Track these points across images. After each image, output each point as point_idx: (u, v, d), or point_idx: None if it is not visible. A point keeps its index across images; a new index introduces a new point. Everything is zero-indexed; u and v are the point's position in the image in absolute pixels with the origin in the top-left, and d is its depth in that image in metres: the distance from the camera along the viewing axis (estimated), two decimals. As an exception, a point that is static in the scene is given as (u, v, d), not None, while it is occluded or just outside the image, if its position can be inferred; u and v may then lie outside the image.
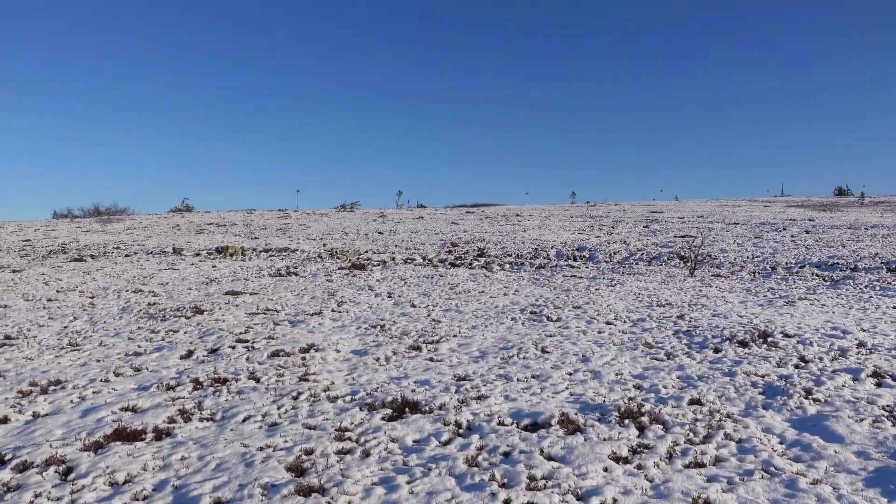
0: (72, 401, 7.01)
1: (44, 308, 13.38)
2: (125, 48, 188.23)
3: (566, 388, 7.32)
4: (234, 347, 9.40)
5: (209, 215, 50.23)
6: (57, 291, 15.93)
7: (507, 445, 5.59)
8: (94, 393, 7.28)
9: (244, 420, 6.35)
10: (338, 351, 9.23)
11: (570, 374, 7.94)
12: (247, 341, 9.82)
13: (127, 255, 25.40)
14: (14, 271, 20.59)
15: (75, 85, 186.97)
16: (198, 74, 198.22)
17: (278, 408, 6.66)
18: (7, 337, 10.32)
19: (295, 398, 6.96)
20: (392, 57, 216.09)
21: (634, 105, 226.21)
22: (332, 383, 7.54)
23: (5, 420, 6.42)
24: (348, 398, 6.93)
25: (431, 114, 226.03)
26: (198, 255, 24.74)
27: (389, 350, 9.26)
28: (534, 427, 6.07)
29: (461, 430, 6.02)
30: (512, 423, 6.15)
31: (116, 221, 44.94)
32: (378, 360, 8.78)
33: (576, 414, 6.34)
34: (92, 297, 14.85)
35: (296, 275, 19.37)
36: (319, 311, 12.48)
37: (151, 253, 26.32)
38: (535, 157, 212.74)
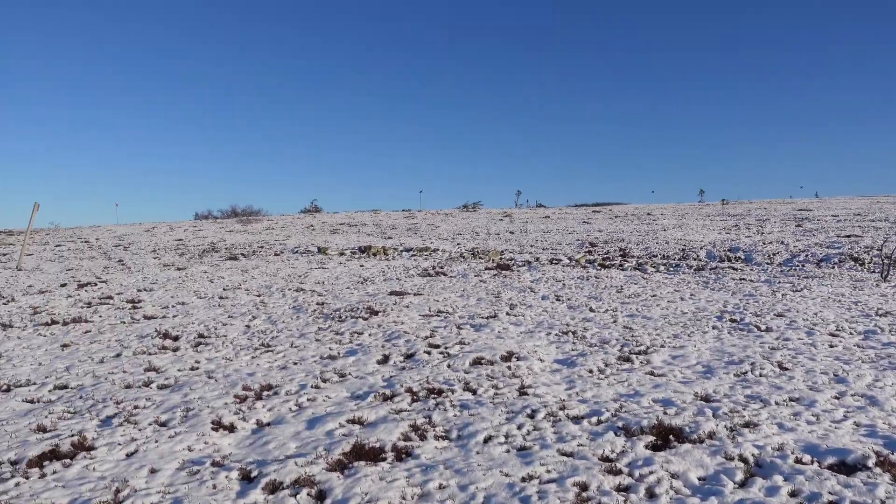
0: (290, 409, 6.55)
1: (219, 306, 13.45)
2: (254, 55, 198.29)
3: (845, 417, 6.08)
4: (429, 353, 8.77)
5: (338, 216, 51.31)
6: (223, 289, 16.16)
7: (830, 493, 4.49)
8: (308, 400, 6.80)
9: (485, 441, 5.60)
10: (541, 360, 8.39)
11: (837, 397, 6.67)
12: (438, 346, 9.18)
13: (276, 255, 25.93)
14: (179, 269, 21.35)
15: (212, 93, 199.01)
16: (317, 79, 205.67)
17: (518, 427, 5.87)
18: (200, 335, 10.23)
19: (530, 416, 6.15)
20: (506, 57, 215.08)
21: (758, 98, 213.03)
22: (562, 399, 6.68)
23: (232, 428, 6.01)
24: (593, 419, 6.03)
25: (545, 113, 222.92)
26: (342, 254, 24.84)
27: (598, 361, 8.31)
28: (845, 468, 4.92)
29: (752, 468, 4.97)
30: (812, 462, 5.03)
31: (255, 222, 46.71)
32: (591, 372, 7.85)
33: (893, 454, 5.12)
34: (259, 296, 14.88)
35: (444, 275, 18.84)
36: (494, 315, 11.73)
37: (297, 252, 26.76)
38: (650, 155, 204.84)
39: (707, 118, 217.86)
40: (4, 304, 14.72)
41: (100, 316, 12.51)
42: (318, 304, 13.33)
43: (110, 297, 15.08)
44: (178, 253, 28.56)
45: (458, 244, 29.19)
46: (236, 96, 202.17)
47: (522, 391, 7.01)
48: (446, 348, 9.03)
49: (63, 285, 17.74)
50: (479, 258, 23.22)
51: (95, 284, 17.70)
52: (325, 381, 7.55)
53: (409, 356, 8.69)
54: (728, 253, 24.26)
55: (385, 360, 8.55)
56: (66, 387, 7.54)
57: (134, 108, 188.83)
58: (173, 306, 13.63)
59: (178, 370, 8.21)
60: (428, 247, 26.20)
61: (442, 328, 10.48)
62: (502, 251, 25.59)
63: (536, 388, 7.09)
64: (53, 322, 11.74)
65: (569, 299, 13.60)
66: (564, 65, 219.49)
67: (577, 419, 6.07)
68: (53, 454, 5.35)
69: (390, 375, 7.73)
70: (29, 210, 23.58)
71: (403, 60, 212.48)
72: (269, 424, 6.15)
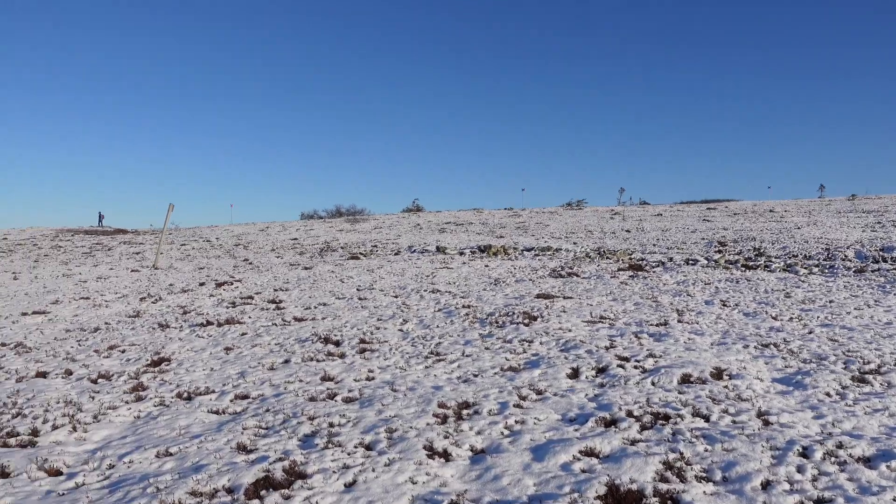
0: (501, 432, 5.72)
1: (362, 307, 12.95)
2: (356, 57, 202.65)
3: None
4: (622, 367, 7.77)
5: (442, 214, 50.92)
6: (357, 289, 15.74)
7: None
8: (517, 422, 5.95)
9: (764, 486, 4.55)
10: (759, 379, 7.20)
11: None
12: (627, 358, 8.15)
13: (395, 254, 25.58)
14: (306, 268, 21.28)
15: (309, 96, 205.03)
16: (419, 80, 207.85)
17: (798, 470, 4.77)
18: (362, 341, 9.65)
19: (803, 455, 5.03)
20: (608, 54, 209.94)
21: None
22: (821, 432, 5.52)
23: (447, 455, 5.23)
24: (892, 463, 4.86)
25: (645, 110, 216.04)
26: (461, 253, 24.16)
27: (830, 382, 7.04)
28: None
29: None
30: None
31: (362, 221, 47.03)
32: (829, 395, 6.62)
33: None
34: (396, 297, 14.32)
35: (576, 276, 17.72)
36: (664, 322, 10.57)
37: (414, 251, 26.33)
38: (756, 151, 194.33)
39: (826, 114, 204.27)
40: (154, 302, 14.84)
41: (249, 317, 12.26)
42: (463, 306, 12.57)
43: (251, 297, 14.94)
44: (298, 252, 28.79)
45: (575, 243, 27.93)
46: (334, 96, 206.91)
47: (764, 419, 5.89)
48: (637, 361, 7.99)
49: (202, 284, 17.90)
50: (607, 258, 21.92)
51: (231, 283, 17.75)
52: (522, 398, 6.70)
53: (600, 370, 7.72)
54: (881, 253, 21.84)
55: (575, 374, 7.61)
56: (247, 396, 7.06)
57: (242, 111, 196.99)
58: (315, 307, 13.25)
59: (355, 380, 7.59)
60: (549, 246, 25.10)
61: (617, 337, 9.44)
62: (629, 251, 24.14)
63: (779, 416, 5.95)
64: (208, 323, 11.54)
65: (736, 305, 12.21)
66: (656, 61, 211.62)
67: (866, 461, 4.91)
68: (268, 482, 4.73)
69: (594, 394, 6.78)
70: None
71: (500, 61, 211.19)
72: (484, 451, 5.34)
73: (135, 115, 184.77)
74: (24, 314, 13.82)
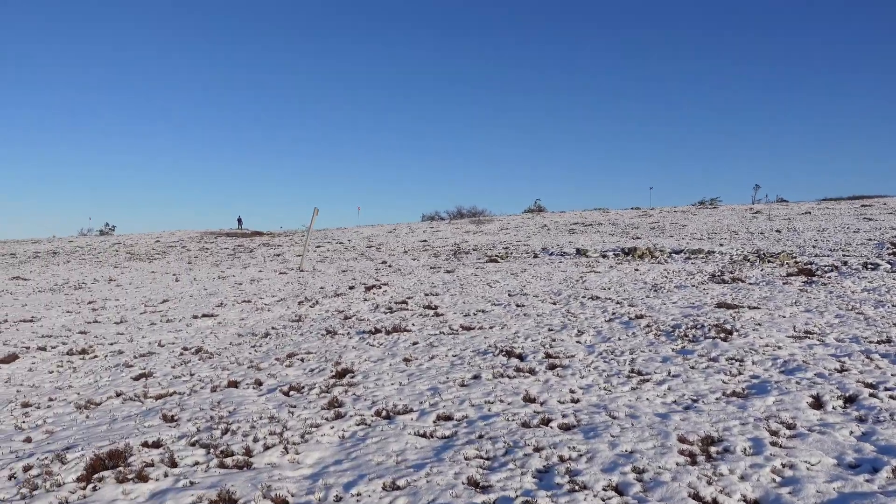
0: (773, 479, 4.78)
1: (524, 315, 12.26)
2: (480, 59, 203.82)
3: None
4: (875, 396, 6.56)
5: (567, 215, 49.54)
6: (509, 294, 15.09)
7: None
8: (784, 466, 4.98)
9: None
10: None
11: None
12: (873, 385, 6.91)
13: (534, 256, 24.80)
14: (447, 271, 20.94)
15: (423, 98, 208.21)
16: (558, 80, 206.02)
17: None
18: (548, 356, 8.94)
19: None
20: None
21: None
22: None
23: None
24: None
25: (777, 106, 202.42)
26: (604, 256, 22.97)
27: None
28: None
29: None
30: None
31: (486, 222, 46.58)
32: None
33: None
34: (555, 304, 13.52)
35: (741, 281, 16.15)
36: (888, 339, 9.10)
37: (551, 254, 25.42)
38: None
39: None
40: (312, 307, 14.90)
41: (412, 324, 11.89)
42: (636, 316, 11.58)
43: (405, 303, 14.66)
44: (431, 254, 28.67)
45: (721, 244, 25.94)
46: (453, 96, 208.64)
47: None
48: (889, 389, 6.75)
49: (351, 288, 17.92)
50: (768, 261, 20.01)
51: (379, 287, 17.64)
52: (773, 433, 5.70)
53: (848, 399, 6.55)
54: None
55: (818, 403, 6.50)
56: (450, 418, 6.52)
57: (366, 115, 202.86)
58: (474, 314, 12.72)
59: (560, 402, 6.88)
60: (700, 248, 23.39)
61: (844, 357, 8.15)
62: (790, 254, 22.00)
63: None
64: (376, 331, 11.26)
65: (967, 319, 10.44)
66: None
67: None
68: (527, 533, 4.08)
69: (861, 431, 5.67)
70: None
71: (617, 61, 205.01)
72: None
73: (270, 121, 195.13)
74: (195, 317, 14.24)
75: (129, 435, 6.29)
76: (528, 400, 7.00)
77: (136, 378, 8.88)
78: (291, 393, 7.69)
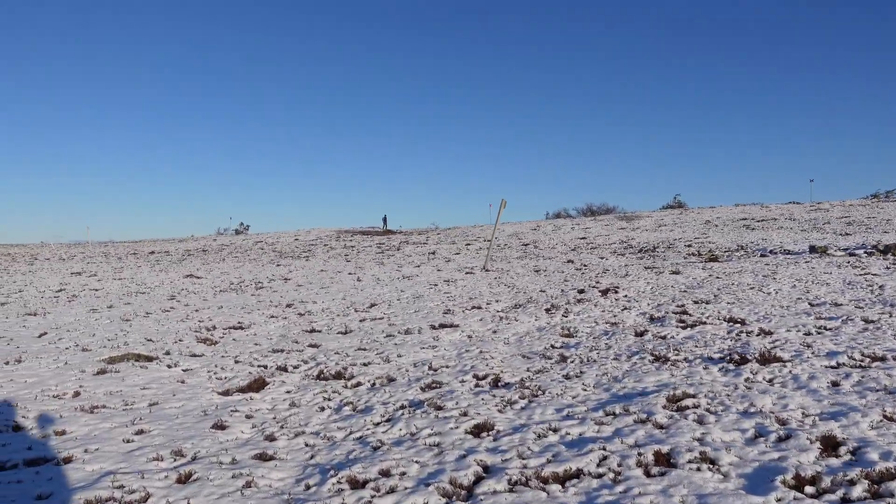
0: None
1: (806, 328, 8.44)
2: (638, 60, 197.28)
3: None
4: None
5: (720, 210, 44.34)
6: (811, 305, 11.27)
7: None
8: None
9: None
10: None
11: None
12: None
13: (762, 256, 20.63)
14: (672, 273, 17.24)
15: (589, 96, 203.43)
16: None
17: None
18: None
19: None
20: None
21: None
22: None
23: None
24: None
25: None
26: (852, 254, 18.53)
27: None
28: None
29: None
30: None
31: (635, 219, 42.30)
32: None
33: None
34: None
35: None
36: None
37: (771, 252, 21.16)
38: None
39: None
40: (564, 316, 11.68)
41: (781, 351, 8.36)
42: None
43: (682, 313, 11.16)
44: (609, 251, 25.05)
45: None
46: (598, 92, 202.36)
47: None
48: None
49: (581, 291, 14.61)
50: None
51: (615, 291, 14.23)
52: None
53: None
54: None
55: None
56: None
57: (498, 113, 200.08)
58: (792, 330, 9.05)
59: None
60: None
61: None
62: None
63: None
64: (743, 360, 7.80)
65: None
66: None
67: None
68: None
69: None
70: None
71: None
72: None
73: (370, 123, 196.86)
74: (433, 327, 11.37)
75: None
76: None
77: (471, 432, 5.87)
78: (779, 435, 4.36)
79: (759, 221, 34.64)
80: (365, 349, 9.91)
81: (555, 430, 5.70)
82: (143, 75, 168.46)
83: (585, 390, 7.02)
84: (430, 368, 8.49)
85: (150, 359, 9.55)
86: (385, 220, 55.05)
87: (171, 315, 13.99)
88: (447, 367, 8.54)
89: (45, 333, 12.03)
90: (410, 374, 8.23)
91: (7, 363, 9.42)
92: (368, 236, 45.45)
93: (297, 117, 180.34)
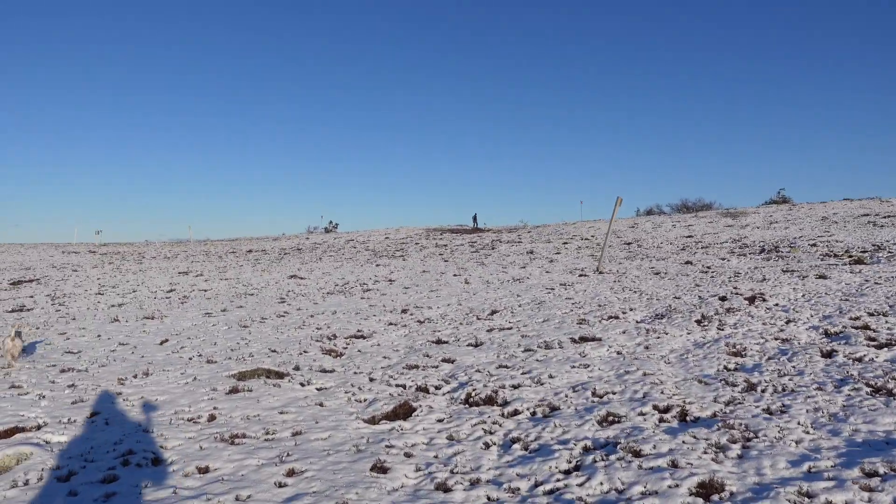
0: None
1: None
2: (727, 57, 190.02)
3: None
4: None
5: (834, 206, 40.65)
6: None
7: None
8: None
9: None
10: None
11: None
12: None
13: (912, 256, 18.22)
14: (818, 277, 15.27)
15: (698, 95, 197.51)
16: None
17: None
18: None
19: None
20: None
21: None
22: None
23: None
24: None
25: None
26: None
27: None
28: None
29: None
30: None
31: (741, 215, 39.39)
32: None
33: None
34: None
35: None
36: None
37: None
38: None
39: None
40: (719, 328, 10.21)
41: None
42: None
43: (865, 327, 9.47)
44: (731, 252, 22.99)
45: None
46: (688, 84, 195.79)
47: None
48: None
49: (723, 299, 13.02)
50: None
51: (763, 299, 12.56)
52: None
53: None
54: None
55: None
56: None
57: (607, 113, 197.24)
58: None
59: None
60: None
61: None
62: None
63: None
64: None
65: None
66: None
67: None
68: None
69: None
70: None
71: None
72: None
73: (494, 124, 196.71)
74: (574, 340, 10.18)
75: None
76: None
77: (696, 493, 4.68)
78: None
79: (884, 218, 31.28)
80: (506, 366, 8.86)
81: (809, 497, 4.43)
82: (240, 85, 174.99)
83: (807, 433, 5.68)
84: (594, 395, 7.33)
85: (280, 375, 8.88)
86: (475, 218, 53.98)
87: (287, 321, 13.47)
88: (612, 392, 7.36)
89: (167, 341, 11.71)
90: (574, 402, 7.11)
91: (136, 376, 9.01)
92: (458, 235, 44.58)
93: (386, 119, 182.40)
